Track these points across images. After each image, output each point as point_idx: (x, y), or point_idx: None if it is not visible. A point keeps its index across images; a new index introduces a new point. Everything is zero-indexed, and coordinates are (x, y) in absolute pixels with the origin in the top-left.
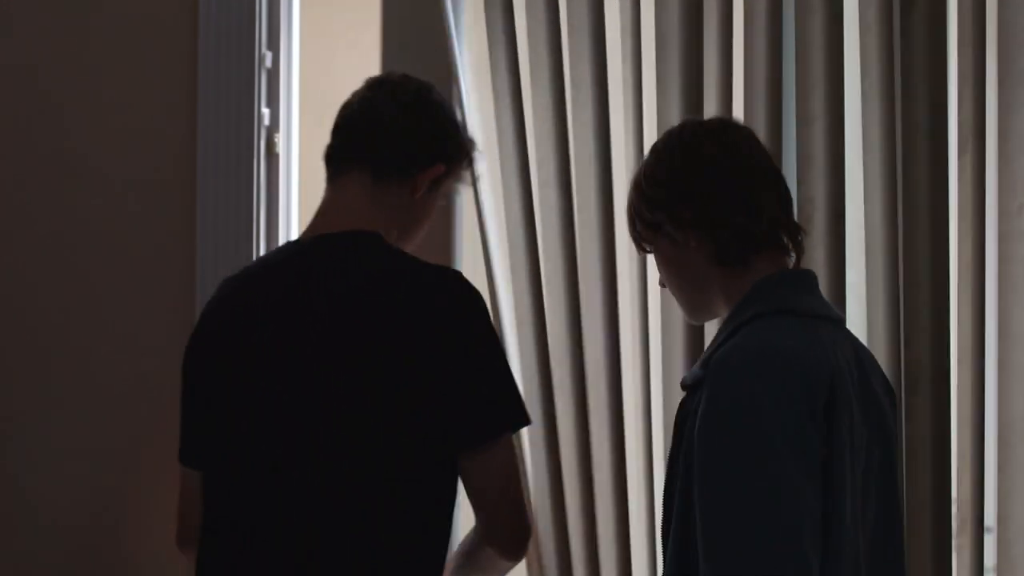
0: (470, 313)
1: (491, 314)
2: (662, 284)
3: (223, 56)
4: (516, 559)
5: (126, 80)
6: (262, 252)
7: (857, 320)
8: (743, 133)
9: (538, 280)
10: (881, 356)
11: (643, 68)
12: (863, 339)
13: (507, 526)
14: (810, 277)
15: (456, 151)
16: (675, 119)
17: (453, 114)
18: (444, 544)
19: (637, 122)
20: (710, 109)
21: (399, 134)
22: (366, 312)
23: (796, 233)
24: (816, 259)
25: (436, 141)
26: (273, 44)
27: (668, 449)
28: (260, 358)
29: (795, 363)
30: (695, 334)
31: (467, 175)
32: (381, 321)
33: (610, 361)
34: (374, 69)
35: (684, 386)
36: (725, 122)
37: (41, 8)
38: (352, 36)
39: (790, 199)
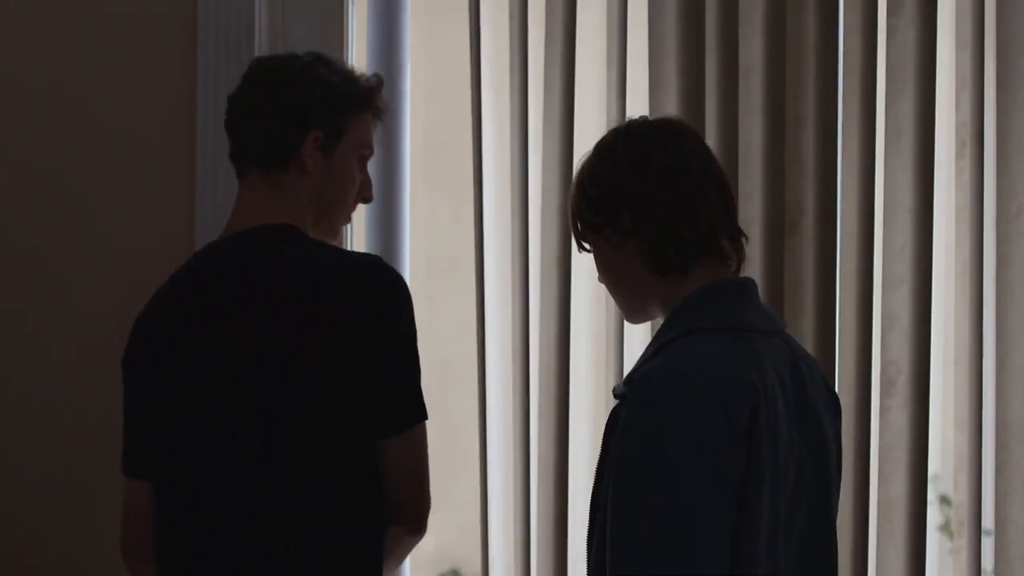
0: (394, 302)
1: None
2: (601, 280)
3: (223, 56)
4: (421, 533)
5: (125, 80)
6: None
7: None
8: (689, 133)
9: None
10: (850, 358)
11: (628, 71)
12: (835, 342)
13: (418, 505)
14: (748, 285)
15: (331, 110)
16: None
17: (320, 75)
18: (383, 533)
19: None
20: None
21: (261, 119)
22: (292, 309)
23: (738, 239)
24: (805, 262)
25: (298, 112)
26: (273, 44)
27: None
28: (201, 365)
29: (714, 386)
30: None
31: (365, 122)
32: (308, 317)
33: (560, 362)
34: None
35: (615, 395)
36: (671, 122)
37: (40, 8)
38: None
39: (734, 204)
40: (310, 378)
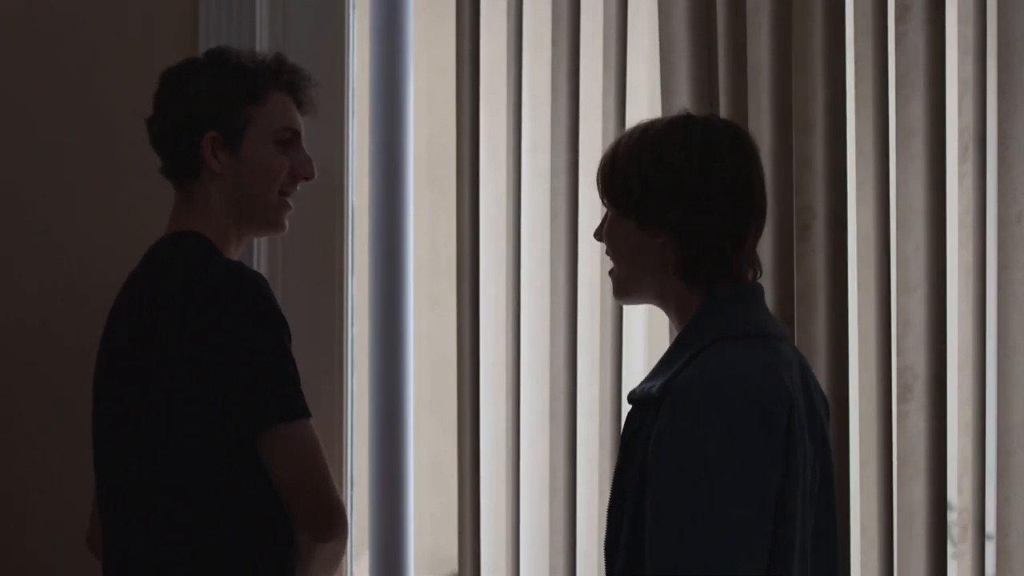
0: (237, 306)
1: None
2: (597, 236)
3: None
4: (327, 540)
5: (125, 81)
6: (262, 255)
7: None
8: (755, 149)
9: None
10: (871, 363)
11: (627, 76)
12: (854, 347)
13: (308, 509)
14: (761, 291)
15: (221, 108)
16: None
17: (203, 76)
18: (275, 542)
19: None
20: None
21: (161, 136)
22: (142, 321)
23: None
24: (817, 266)
25: (186, 119)
26: (274, 47)
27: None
28: (95, 375)
29: (757, 395)
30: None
31: (273, 104)
32: (154, 328)
33: (568, 366)
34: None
35: (632, 400)
36: (742, 132)
37: (41, 9)
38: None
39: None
40: (160, 386)
